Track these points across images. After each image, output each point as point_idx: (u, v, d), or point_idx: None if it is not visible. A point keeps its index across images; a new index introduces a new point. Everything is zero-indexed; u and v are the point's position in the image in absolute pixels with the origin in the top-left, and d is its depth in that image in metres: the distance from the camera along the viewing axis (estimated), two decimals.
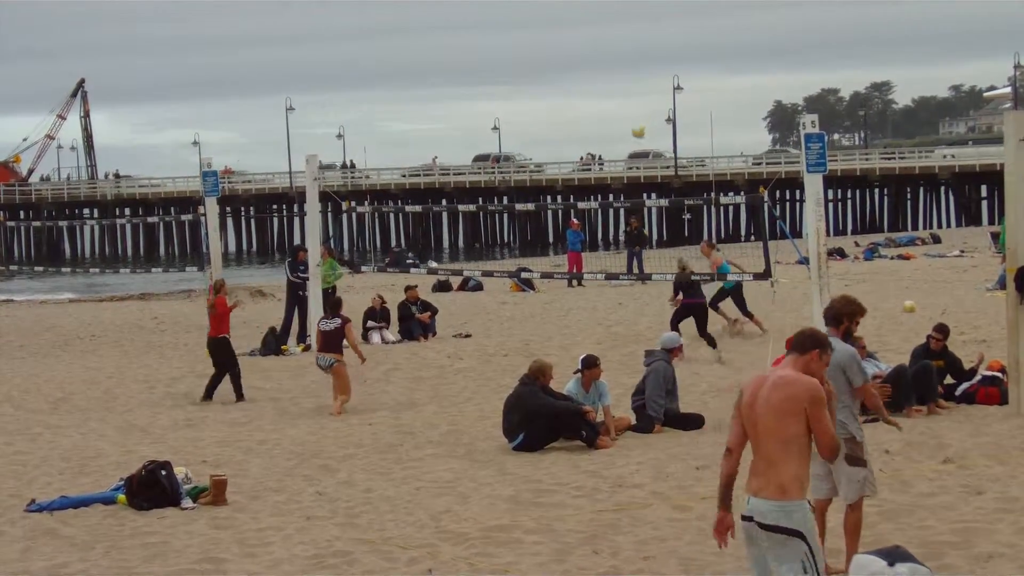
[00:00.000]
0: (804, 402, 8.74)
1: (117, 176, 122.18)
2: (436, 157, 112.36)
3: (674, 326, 27.47)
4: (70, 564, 13.43)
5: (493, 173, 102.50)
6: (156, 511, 15.62)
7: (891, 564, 10.90)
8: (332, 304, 24.46)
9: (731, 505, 9.09)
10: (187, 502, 15.88)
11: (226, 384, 24.73)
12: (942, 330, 21.01)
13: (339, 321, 23.45)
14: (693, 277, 28.37)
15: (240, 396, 24.62)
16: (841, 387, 11.50)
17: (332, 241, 50.77)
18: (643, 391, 19.94)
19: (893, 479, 15.28)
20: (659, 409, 19.73)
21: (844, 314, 11.99)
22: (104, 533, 14.72)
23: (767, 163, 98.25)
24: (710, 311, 29.12)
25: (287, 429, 21.35)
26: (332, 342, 23.26)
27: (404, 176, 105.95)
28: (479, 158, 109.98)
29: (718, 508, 9.16)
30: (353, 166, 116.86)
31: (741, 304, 29.92)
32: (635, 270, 47.18)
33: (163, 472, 16.04)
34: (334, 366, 23.03)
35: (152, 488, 15.93)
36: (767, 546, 8.82)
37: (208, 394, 24.81)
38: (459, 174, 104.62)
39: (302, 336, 31.63)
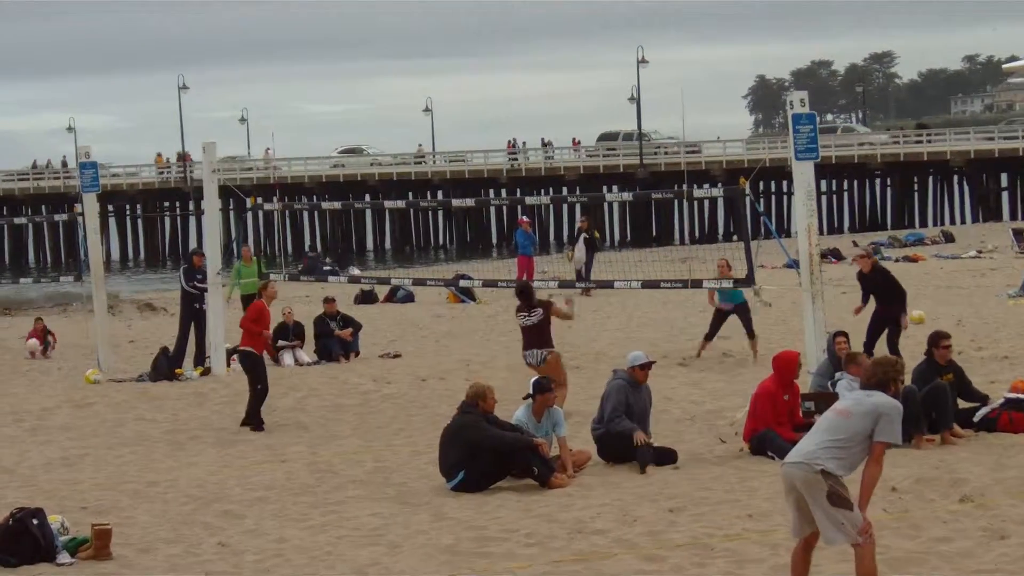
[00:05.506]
0: None
1: (64, 165, 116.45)
2: (269, 149, 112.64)
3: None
4: None
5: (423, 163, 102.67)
6: (26, 568, 15.53)
7: None
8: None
9: None
10: (64, 556, 15.78)
11: (115, 412, 24.58)
12: (942, 336, 20.67)
13: None
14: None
15: None
16: (856, 428, 11.85)
17: (236, 244, 50.70)
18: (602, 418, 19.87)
19: (901, 521, 15.34)
20: (621, 425, 19.52)
21: (891, 379, 12.19)
22: None
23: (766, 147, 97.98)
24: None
25: (183, 468, 21.26)
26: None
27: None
28: (605, 136, 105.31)
29: None
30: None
31: None
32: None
33: (35, 521, 15.93)
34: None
35: (21, 540, 15.82)
36: None
37: None
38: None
39: (200, 358, 31.41)
